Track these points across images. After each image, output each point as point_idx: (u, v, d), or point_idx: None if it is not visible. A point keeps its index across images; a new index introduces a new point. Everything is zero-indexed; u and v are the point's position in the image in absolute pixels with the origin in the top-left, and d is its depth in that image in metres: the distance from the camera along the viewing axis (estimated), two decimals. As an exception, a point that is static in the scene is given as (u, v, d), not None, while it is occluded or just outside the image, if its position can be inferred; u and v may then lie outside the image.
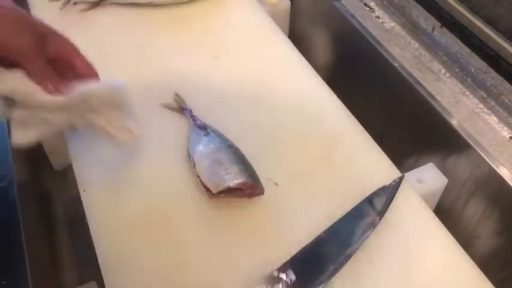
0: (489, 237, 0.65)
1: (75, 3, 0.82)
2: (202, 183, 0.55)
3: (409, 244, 0.54)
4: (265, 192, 0.57)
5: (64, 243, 0.82)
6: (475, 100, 0.70)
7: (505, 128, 0.66)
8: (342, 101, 0.69)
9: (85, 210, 0.56)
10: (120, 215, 0.55)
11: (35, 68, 0.53)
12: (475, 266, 0.53)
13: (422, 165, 0.66)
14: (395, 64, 0.74)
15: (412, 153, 0.75)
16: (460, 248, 0.54)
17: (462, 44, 0.73)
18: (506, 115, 0.68)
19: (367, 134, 0.65)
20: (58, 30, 0.55)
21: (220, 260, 0.52)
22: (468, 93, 0.71)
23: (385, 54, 0.76)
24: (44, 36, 0.54)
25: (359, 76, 0.84)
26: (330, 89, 0.71)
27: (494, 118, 0.68)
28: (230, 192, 0.54)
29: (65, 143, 0.63)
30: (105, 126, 0.54)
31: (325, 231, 0.54)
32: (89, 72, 0.56)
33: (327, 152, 0.62)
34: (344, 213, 0.56)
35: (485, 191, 0.64)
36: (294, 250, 0.52)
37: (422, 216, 0.57)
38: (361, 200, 0.57)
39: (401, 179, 0.58)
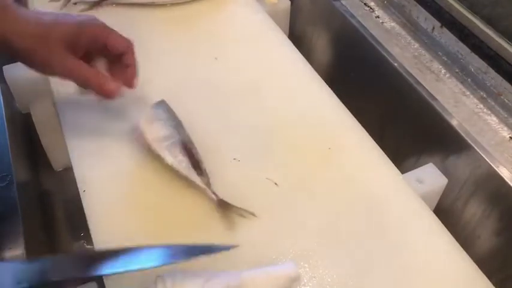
0: (489, 237, 0.65)
1: (75, 3, 0.82)
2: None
3: (408, 244, 0.54)
4: (265, 192, 0.57)
5: (64, 243, 0.82)
6: (475, 100, 0.70)
7: (505, 128, 0.66)
8: (342, 101, 0.69)
9: (85, 210, 0.56)
10: (120, 215, 0.55)
11: (69, 68, 0.54)
12: (475, 266, 0.53)
13: (422, 165, 0.66)
14: (395, 64, 0.74)
15: (412, 153, 0.75)
16: (460, 248, 0.54)
17: (462, 44, 0.73)
18: (506, 115, 0.68)
19: (366, 133, 0.65)
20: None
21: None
22: (468, 93, 0.71)
23: (385, 54, 0.76)
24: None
25: (359, 76, 0.84)
26: (330, 89, 0.71)
27: (494, 118, 0.68)
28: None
29: (65, 143, 0.63)
30: None
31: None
32: (123, 46, 0.57)
33: (327, 152, 0.62)
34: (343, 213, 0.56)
35: (485, 191, 0.64)
36: (293, 250, 0.53)
37: (422, 216, 0.57)
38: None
39: None
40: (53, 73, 0.55)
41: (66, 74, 0.54)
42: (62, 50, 0.53)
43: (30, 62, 0.54)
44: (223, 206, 0.55)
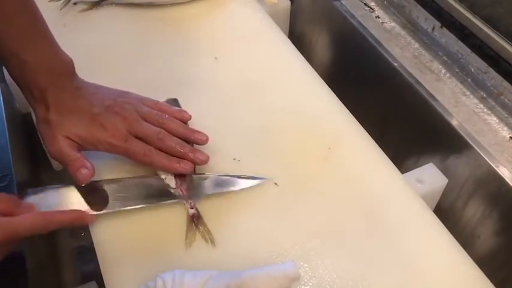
0: (489, 237, 0.65)
1: (75, 3, 0.82)
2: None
3: (409, 244, 0.54)
4: (265, 192, 0.57)
5: (64, 243, 0.82)
6: (475, 100, 0.70)
7: (505, 128, 0.66)
8: (342, 101, 0.69)
9: (85, 210, 0.56)
10: (120, 214, 0.55)
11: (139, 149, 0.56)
12: (475, 266, 0.53)
13: (422, 165, 0.66)
14: (395, 64, 0.74)
15: (412, 153, 0.75)
16: (460, 248, 0.54)
17: (462, 44, 0.73)
18: (506, 115, 0.68)
19: (366, 134, 0.65)
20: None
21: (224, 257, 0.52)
22: (468, 93, 0.71)
23: (385, 54, 0.76)
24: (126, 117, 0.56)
25: (359, 76, 0.84)
26: (330, 89, 0.71)
27: (494, 118, 0.68)
28: None
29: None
30: None
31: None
32: (181, 117, 0.60)
33: (327, 152, 0.62)
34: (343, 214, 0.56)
35: (485, 191, 0.64)
36: (293, 250, 0.53)
37: (423, 216, 0.57)
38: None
39: None
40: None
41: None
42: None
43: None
44: (194, 223, 0.54)
